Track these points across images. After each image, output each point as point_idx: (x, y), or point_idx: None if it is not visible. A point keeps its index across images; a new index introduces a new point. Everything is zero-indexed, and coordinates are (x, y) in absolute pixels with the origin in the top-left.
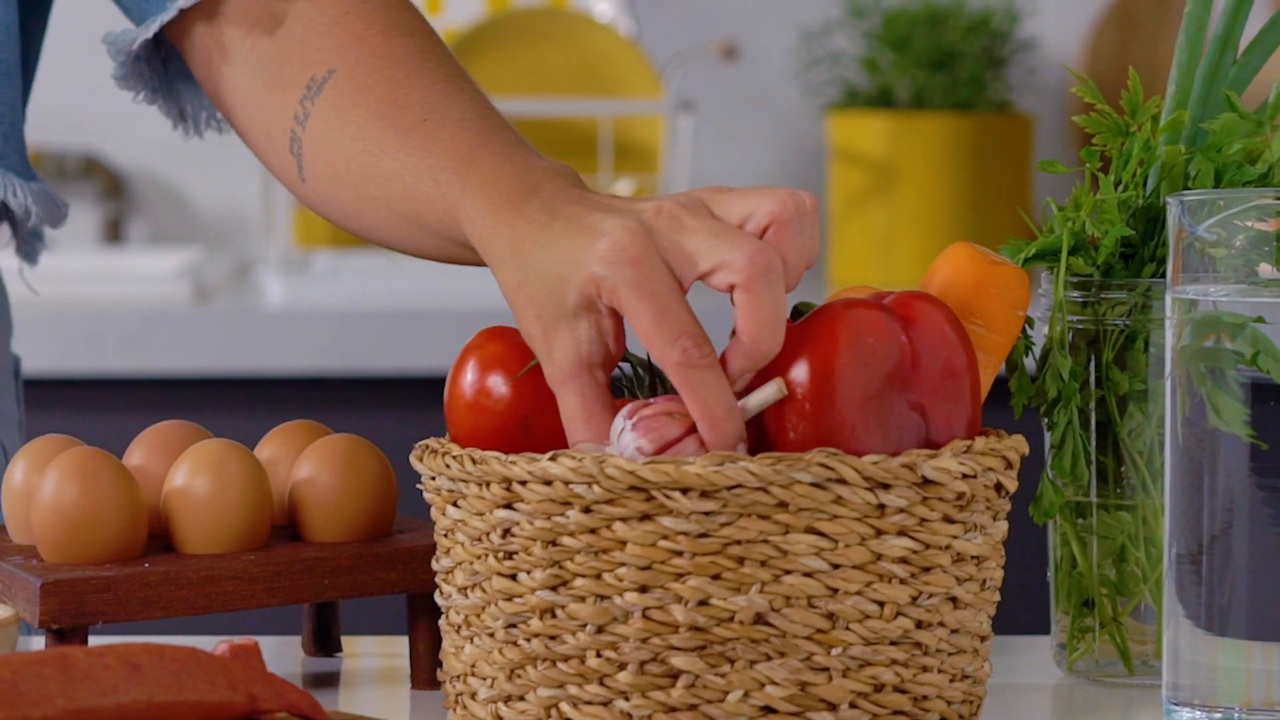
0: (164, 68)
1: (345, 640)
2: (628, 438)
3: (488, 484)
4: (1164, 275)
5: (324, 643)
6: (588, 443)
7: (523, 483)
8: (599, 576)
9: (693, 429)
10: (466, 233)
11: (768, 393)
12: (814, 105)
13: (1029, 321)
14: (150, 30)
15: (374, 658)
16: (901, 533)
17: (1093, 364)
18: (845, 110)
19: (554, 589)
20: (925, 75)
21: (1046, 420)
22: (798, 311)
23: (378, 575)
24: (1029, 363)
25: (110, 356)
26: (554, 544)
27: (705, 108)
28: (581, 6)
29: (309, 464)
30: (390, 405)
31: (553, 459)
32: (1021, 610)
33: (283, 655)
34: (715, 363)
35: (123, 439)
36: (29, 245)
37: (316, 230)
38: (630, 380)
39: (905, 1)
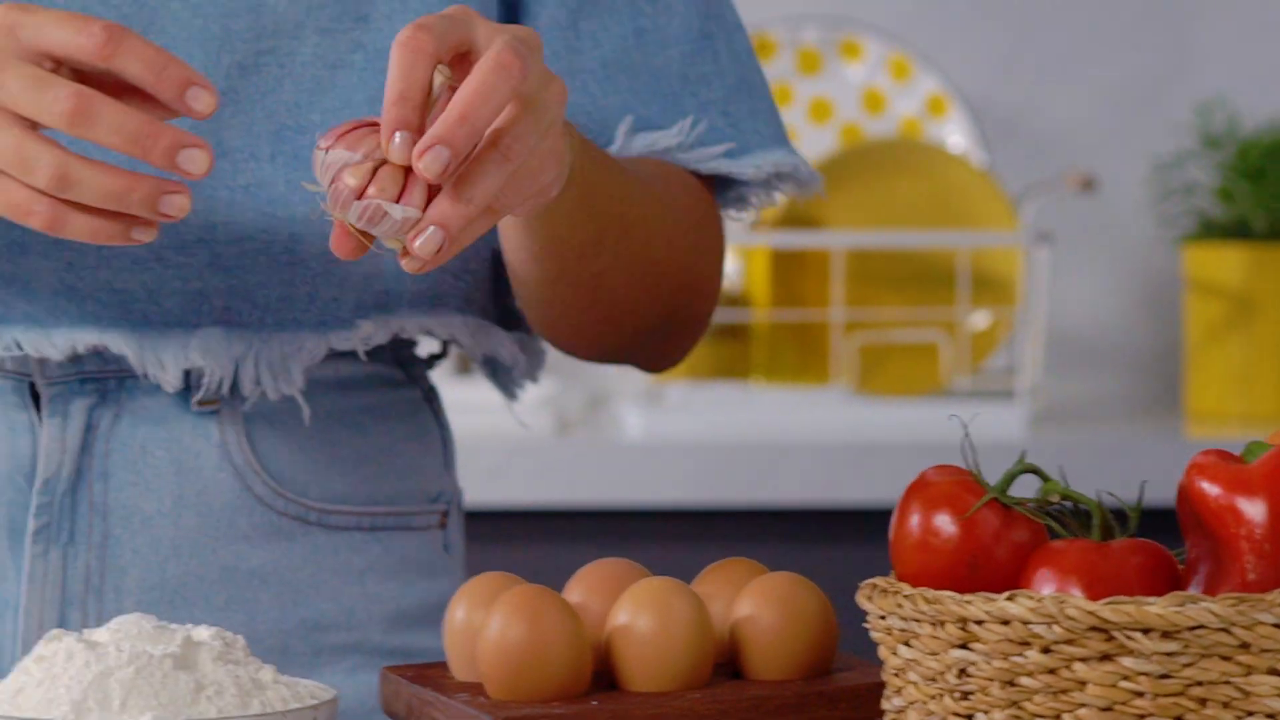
0: None
1: None
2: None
3: (942, 623)
4: None
5: None
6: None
7: (979, 622)
8: (1058, 717)
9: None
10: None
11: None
12: (1169, 236)
13: None
14: None
15: None
16: None
17: None
18: (1201, 241)
19: None
20: None
21: None
22: (1250, 451)
23: (822, 714)
24: None
25: (477, 488)
26: (1012, 684)
27: (1059, 239)
28: (934, 138)
29: (749, 602)
30: (745, 537)
31: (1010, 599)
32: None
33: None
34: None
35: (494, 569)
36: (511, 383)
37: None
38: (1075, 518)
39: (1260, 131)
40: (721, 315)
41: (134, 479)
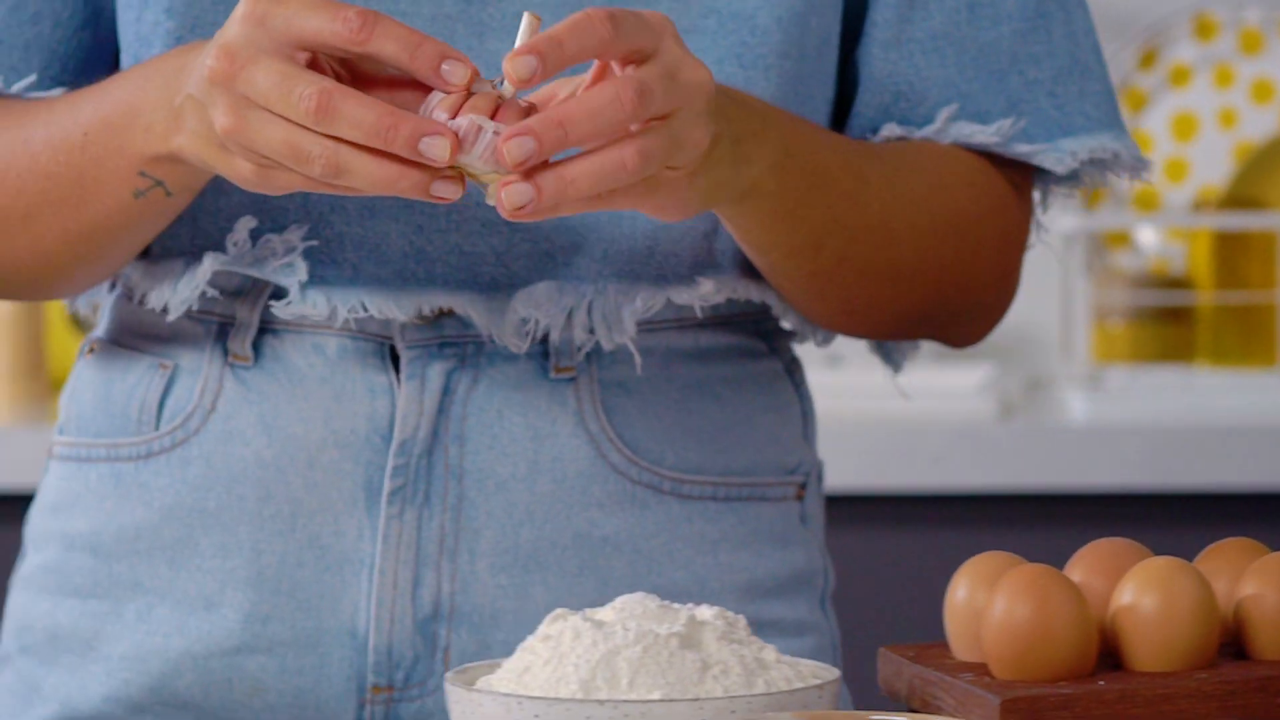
0: None
1: None
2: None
3: None
4: None
5: None
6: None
7: None
8: None
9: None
10: None
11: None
12: None
13: None
14: None
15: None
16: None
17: None
18: None
19: None
20: None
21: None
22: None
23: None
24: None
25: (919, 472)
26: None
27: None
28: None
29: (1254, 582)
30: (1191, 521)
31: None
32: None
33: None
34: None
35: (939, 555)
36: (895, 353)
37: (1117, 346)
38: None
39: None
40: (1164, 298)
41: (490, 443)
